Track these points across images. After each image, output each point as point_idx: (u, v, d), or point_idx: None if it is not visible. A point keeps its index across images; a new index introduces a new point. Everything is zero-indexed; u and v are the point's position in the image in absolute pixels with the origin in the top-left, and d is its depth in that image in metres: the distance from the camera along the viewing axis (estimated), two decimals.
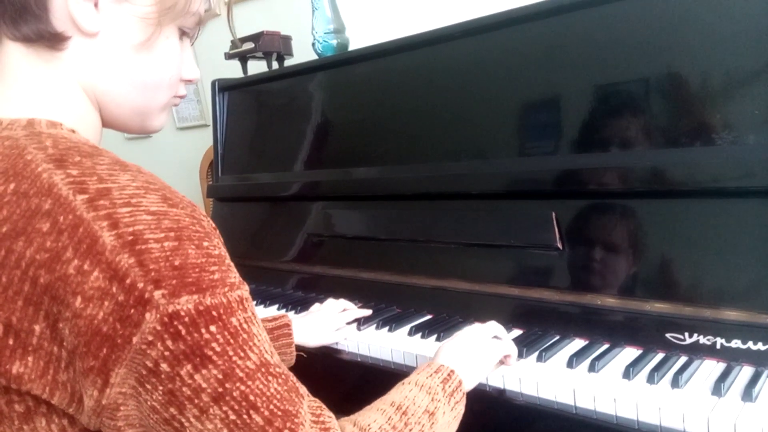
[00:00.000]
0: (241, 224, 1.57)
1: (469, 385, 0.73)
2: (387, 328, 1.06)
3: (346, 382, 1.09)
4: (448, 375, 0.69)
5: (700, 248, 0.85)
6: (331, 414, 0.54)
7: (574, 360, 0.84)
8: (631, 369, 0.79)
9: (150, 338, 0.44)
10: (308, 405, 0.52)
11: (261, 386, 0.48)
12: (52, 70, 0.56)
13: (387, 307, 1.17)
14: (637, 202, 0.91)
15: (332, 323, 1.07)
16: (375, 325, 1.08)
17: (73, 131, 0.56)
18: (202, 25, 0.64)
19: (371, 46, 1.30)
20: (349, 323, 1.11)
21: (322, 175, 1.39)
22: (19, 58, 0.56)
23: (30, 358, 0.46)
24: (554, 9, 1.01)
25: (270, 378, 0.49)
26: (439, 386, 0.66)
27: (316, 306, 1.12)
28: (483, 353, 0.80)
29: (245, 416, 0.46)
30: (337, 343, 1.07)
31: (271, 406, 0.48)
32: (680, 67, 0.89)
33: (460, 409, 0.68)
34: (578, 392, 0.78)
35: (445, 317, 1.08)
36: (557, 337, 0.93)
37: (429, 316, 1.10)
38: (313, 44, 1.54)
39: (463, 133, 1.14)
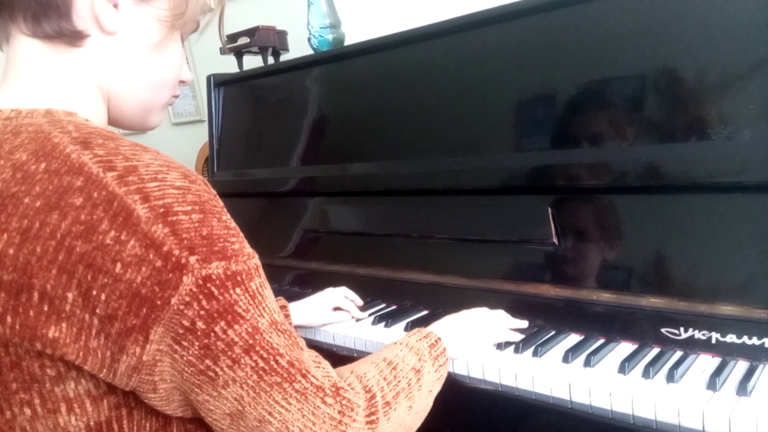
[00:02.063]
0: (237, 220, 1.55)
1: (454, 353, 0.81)
2: (383, 323, 1.06)
3: None
4: (435, 341, 0.75)
5: (696, 243, 0.85)
6: (327, 361, 0.61)
7: (569, 355, 0.84)
8: (627, 364, 0.79)
9: (187, 299, 0.49)
10: (308, 354, 0.59)
11: (277, 339, 0.54)
12: (68, 65, 0.59)
13: (383, 302, 1.17)
14: (633, 198, 0.91)
15: (330, 303, 1.09)
16: (371, 321, 1.08)
17: (87, 120, 0.58)
18: (199, 31, 0.69)
19: (367, 41, 1.30)
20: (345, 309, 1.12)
21: (318, 170, 1.38)
22: (35, 54, 0.58)
23: (64, 324, 0.49)
24: (550, 4, 1.01)
25: (279, 333, 0.55)
26: (426, 349, 0.73)
27: (316, 294, 1.14)
28: (476, 331, 0.87)
29: (273, 362, 0.53)
30: (333, 336, 1.07)
31: (289, 353, 0.54)
32: (676, 63, 0.89)
33: (443, 372, 0.75)
34: (574, 387, 0.78)
35: (441, 312, 1.08)
36: (553, 332, 0.93)
37: (425, 312, 1.10)
38: (309, 39, 1.54)
39: (460, 128, 1.13)
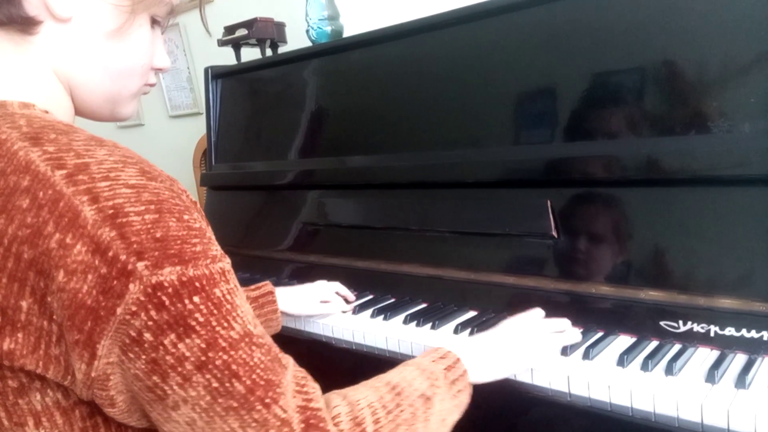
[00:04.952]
0: (235, 213, 1.56)
1: (478, 377, 0.72)
2: (382, 316, 1.06)
3: (340, 370, 1.09)
4: (453, 363, 0.68)
5: (695, 236, 0.85)
6: (316, 385, 0.54)
7: (568, 348, 0.84)
8: (626, 356, 0.79)
9: (134, 308, 0.45)
10: (293, 375, 0.52)
11: (244, 356, 0.48)
12: (24, 53, 0.55)
13: (382, 295, 1.17)
14: (632, 191, 0.91)
15: (319, 295, 1.09)
16: (370, 314, 1.08)
17: (46, 112, 0.55)
18: (174, 15, 0.64)
19: (366, 33, 1.29)
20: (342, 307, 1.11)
21: (317, 163, 1.38)
22: None
23: (20, 335, 0.47)
24: None
25: (254, 348, 0.49)
26: (441, 373, 0.65)
27: (306, 284, 1.14)
28: (513, 348, 0.78)
29: (227, 384, 0.47)
30: (332, 329, 1.07)
31: (254, 376, 0.48)
32: (676, 56, 0.89)
33: (463, 398, 0.67)
34: (572, 379, 0.78)
35: (440, 305, 1.08)
36: None
37: (424, 305, 1.10)
38: (307, 31, 1.53)
39: (459, 121, 1.13)
